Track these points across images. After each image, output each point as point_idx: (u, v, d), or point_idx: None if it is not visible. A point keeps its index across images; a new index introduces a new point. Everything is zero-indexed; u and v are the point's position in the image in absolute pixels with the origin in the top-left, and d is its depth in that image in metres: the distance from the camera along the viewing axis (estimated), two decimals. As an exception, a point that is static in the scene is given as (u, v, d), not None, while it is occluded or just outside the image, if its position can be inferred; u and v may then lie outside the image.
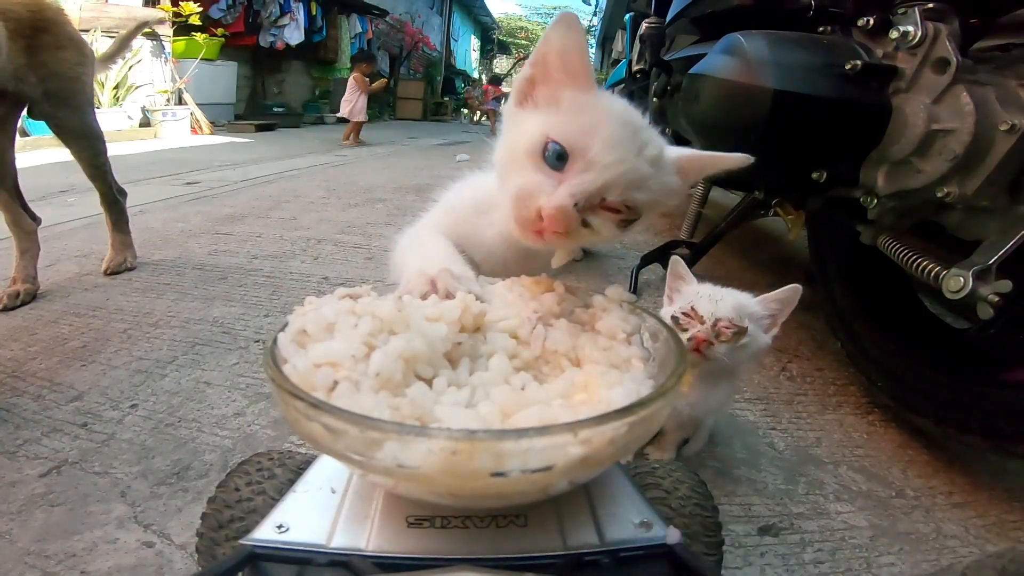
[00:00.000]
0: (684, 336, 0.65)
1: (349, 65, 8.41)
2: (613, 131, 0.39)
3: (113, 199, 1.46)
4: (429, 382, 0.33)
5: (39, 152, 3.32)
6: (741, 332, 0.64)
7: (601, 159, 0.38)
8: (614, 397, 0.31)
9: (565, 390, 0.33)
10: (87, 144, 1.36)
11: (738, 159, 0.45)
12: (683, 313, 0.67)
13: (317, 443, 0.29)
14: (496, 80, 9.90)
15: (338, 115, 5.46)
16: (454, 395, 0.32)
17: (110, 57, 1.66)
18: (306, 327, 0.35)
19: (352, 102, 5.22)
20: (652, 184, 0.40)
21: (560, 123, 0.40)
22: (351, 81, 5.28)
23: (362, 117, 5.37)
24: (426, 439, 0.26)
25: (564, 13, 0.40)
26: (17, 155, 1.33)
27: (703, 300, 0.66)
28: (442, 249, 0.49)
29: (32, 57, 1.20)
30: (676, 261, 0.72)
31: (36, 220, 1.35)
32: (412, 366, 0.33)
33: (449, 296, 0.39)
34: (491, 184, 0.49)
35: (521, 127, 0.42)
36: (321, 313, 0.35)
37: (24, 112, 1.29)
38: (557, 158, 0.39)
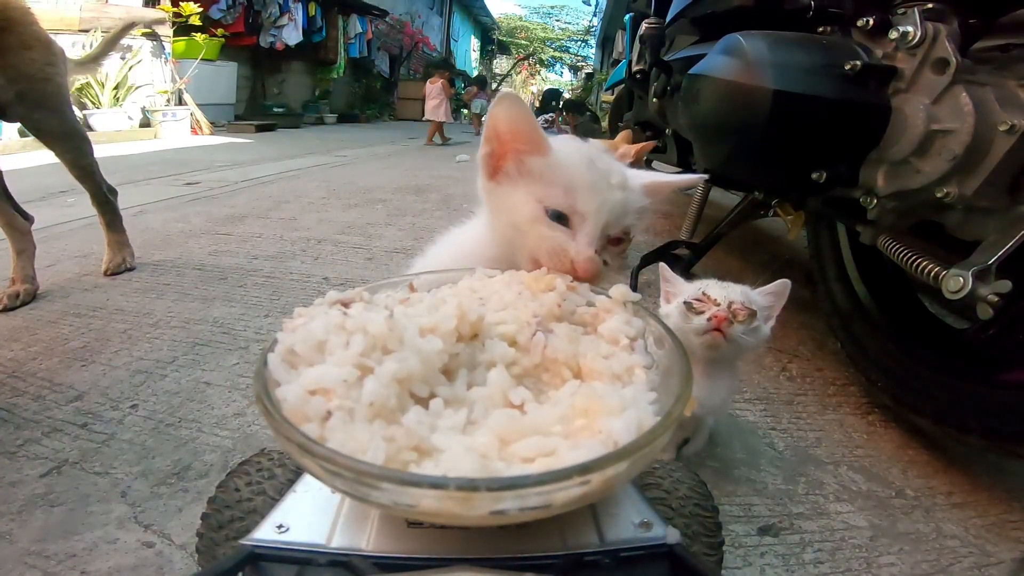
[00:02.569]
0: (701, 318, 0.66)
1: (343, 65, 8.47)
2: (586, 180, 0.45)
3: (104, 199, 1.45)
4: (426, 402, 0.32)
5: (39, 152, 3.32)
6: (753, 314, 0.66)
7: (590, 208, 0.45)
8: (615, 428, 0.29)
9: (564, 413, 0.32)
10: (70, 145, 1.34)
11: (694, 179, 0.53)
12: (695, 299, 0.68)
13: (314, 476, 0.29)
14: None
15: (425, 118, 6.02)
16: (451, 418, 0.31)
17: (94, 59, 1.62)
18: (295, 347, 0.33)
19: (441, 105, 5.76)
20: (631, 205, 0.48)
21: (545, 193, 0.46)
22: (439, 87, 5.76)
23: (450, 118, 6.01)
24: (421, 489, 0.26)
25: (504, 93, 0.47)
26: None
27: (713, 286, 0.69)
28: None
29: None
30: (663, 267, 0.76)
31: (28, 219, 1.34)
32: (407, 386, 0.32)
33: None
34: (480, 231, 0.54)
35: (510, 200, 0.48)
36: (310, 330, 0.34)
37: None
38: (558, 219, 0.46)
